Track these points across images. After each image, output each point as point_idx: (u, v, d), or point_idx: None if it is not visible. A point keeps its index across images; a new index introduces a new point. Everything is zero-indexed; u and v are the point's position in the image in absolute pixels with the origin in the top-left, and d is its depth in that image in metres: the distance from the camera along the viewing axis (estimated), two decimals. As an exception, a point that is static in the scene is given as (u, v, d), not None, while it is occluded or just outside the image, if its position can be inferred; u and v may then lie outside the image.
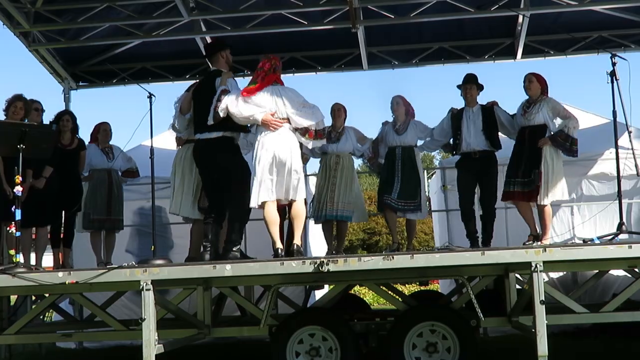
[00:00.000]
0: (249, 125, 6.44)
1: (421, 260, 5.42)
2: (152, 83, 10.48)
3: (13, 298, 7.46)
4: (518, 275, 6.45)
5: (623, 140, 7.14)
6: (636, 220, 8.71)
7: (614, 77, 6.74)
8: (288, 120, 6.24)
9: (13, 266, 5.74)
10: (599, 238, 6.53)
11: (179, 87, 7.16)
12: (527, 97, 7.35)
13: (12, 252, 5.97)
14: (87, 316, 7.64)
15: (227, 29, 9.42)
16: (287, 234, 7.08)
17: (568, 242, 8.09)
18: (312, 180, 8.34)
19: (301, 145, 6.82)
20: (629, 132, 6.76)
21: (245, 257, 6.69)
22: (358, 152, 7.99)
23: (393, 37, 10.28)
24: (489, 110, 7.57)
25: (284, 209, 6.61)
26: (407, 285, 16.43)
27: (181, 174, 6.98)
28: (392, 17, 9.21)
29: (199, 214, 6.92)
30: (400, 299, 6.59)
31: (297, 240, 6.21)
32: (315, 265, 5.37)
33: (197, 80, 7.45)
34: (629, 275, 6.48)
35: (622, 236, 6.58)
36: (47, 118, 7.67)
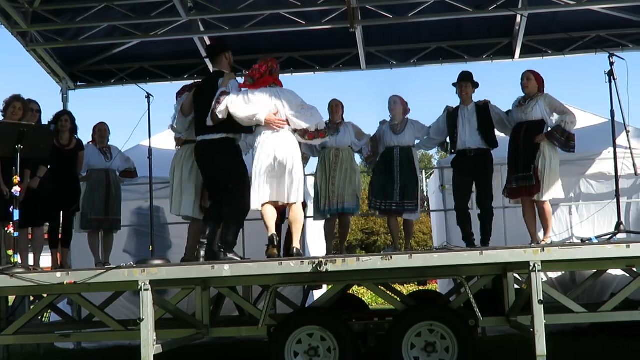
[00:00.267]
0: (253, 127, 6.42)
1: (419, 260, 5.42)
2: (150, 83, 10.50)
3: (11, 298, 7.45)
4: (516, 275, 6.44)
5: (621, 140, 7.14)
6: (634, 219, 8.72)
7: (611, 77, 6.74)
8: (287, 122, 6.23)
9: (11, 266, 5.75)
10: (597, 237, 6.54)
11: (177, 87, 7.15)
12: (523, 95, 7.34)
13: (10, 252, 5.96)
14: (86, 316, 7.64)
15: (225, 29, 9.41)
16: (286, 237, 7.07)
17: (566, 242, 8.09)
18: (310, 181, 8.32)
19: (300, 144, 6.79)
20: (627, 132, 6.77)
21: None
22: (356, 148, 7.96)
23: (391, 37, 10.28)
24: (484, 108, 7.56)
25: (283, 212, 6.59)
26: (405, 285, 16.42)
27: (180, 174, 6.96)
28: (390, 17, 9.21)
29: (200, 213, 6.91)
30: (398, 298, 6.59)
31: (296, 244, 6.18)
32: (314, 265, 5.37)
33: (195, 81, 7.43)
34: (627, 275, 6.48)
35: (620, 235, 6.59)
36: (46, 118, 7.68)
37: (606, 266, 6.22)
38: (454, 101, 7.79)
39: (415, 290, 13.07)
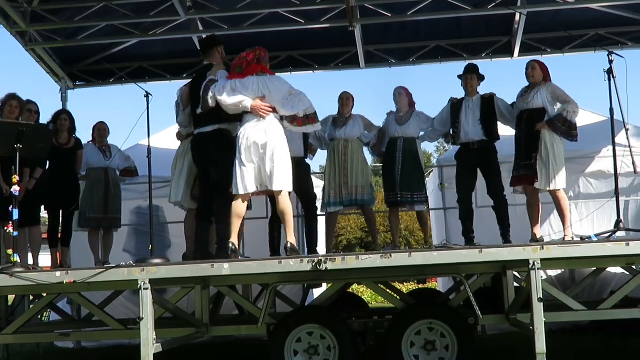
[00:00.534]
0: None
1: (419, 258, 5.41)
2: (150, 82, 10.50)
3: (11, 298, 7.45)
4: (516, 273, 6.44)
5: (620, 138, 7.14)
6: (634, 217, 8.72)
7: (611, 75, 6.73)
8: (274, 109, 6.19)
9: (11, 266, 5.74)
10: (596, 235, 6.54)
11: (176, 86, 7.16)
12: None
13: (10, 251, 5.96)
14: (85, 315, 7.63)
15: (224, 28, 9.41)
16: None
17: (566, 240, 8.09)
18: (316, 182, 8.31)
19: (307, 135, 6.71)
20: (626, 130, 6.76)
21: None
22: (365, 139, 7.98)
23: (390, 35, 10.28)
24: (489, 101, 7.53)
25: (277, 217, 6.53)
26: (405, 283, 16.43)
27: (181, 166, 7.05)
28: (389, 15, 9.21)
29: (192, 202, 6.95)
30: (398, 297, 6.60)
31: (290, 239, 6.07)
32: (313, 264, 5.37)
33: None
34: (627, 273, 6.49)
35: (620, 233, 6.60)
36: (45, 118, 7.69)
37: (606, 264, 6.23)
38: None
39: (414, 288, 13.08)
